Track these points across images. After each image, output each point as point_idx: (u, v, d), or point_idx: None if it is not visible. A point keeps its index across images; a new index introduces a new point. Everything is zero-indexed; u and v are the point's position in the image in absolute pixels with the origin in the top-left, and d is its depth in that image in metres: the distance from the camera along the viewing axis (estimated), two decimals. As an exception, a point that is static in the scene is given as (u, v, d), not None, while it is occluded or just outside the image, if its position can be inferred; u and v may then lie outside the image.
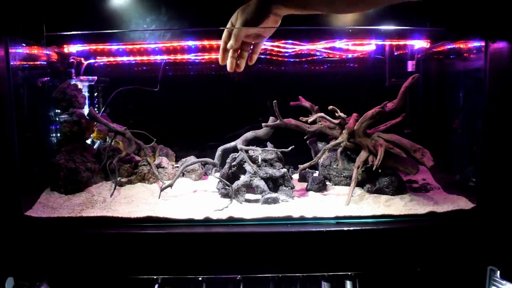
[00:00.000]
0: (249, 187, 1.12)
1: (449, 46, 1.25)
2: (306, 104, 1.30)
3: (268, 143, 1.28)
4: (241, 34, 0.84)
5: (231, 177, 1.17)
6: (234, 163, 1.18)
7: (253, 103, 1.45)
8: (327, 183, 1.23)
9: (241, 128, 1.41)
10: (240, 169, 1.19)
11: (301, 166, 1.17)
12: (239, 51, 0.89)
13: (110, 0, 1.18)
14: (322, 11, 0.82)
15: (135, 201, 1.10)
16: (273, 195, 1.08)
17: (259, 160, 1.15)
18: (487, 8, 0.96)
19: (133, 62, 1.49)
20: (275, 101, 1.17)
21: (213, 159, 1.28)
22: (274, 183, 1.13)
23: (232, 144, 1.16)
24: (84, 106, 1.32)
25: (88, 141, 1.38)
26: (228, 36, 0.86)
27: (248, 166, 1.15)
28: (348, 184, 1.18)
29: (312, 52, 1.44)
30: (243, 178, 1.12)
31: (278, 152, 1.18)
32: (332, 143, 1.18)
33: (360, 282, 0.96)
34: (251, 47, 0.90)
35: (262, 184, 1.11)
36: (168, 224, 0.99)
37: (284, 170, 1.14)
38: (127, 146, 1.28)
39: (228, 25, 0.88)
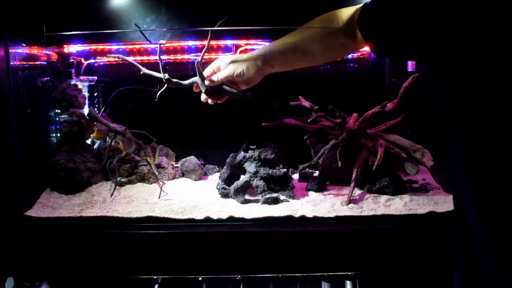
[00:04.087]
0: (249, 187, 1.12)
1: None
2: (306, 104, 1.29)
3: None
4: (225, 79, 0.91)
5: (231, 177, 1.17)
6: (235, 162, 1.18)
7: (254, 102, 1.45)
8: (327, 183, 1.23)
9: (242, 128, 1.42)
10: (240, 169, 1.19)
11: (301, 166, 1.17)
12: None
13: (110, 0, 1.18)
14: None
15: (135, 201, 1.10)
16: (273, 195, 1.08)
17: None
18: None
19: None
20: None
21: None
22: (274, 183, 1.13)
23: None
24: (84, 106, 1.32)
25: (88, 141, 1.38)
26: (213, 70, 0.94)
27: (248, 167, 1.15)
28: (348, 184, 1.17)
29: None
30: (243, 178, 1.12)
31: (278, 152, 1.18)
32: (332, 143, 1.18)
33: (360, 282, 0.96)
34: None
35: (262, 184, 1.11)
36: (168, 224, 0.99)
37: (284, 170, 1.14)
38: (127, 146, 1.28)
39: (215, 64, 0.93)
